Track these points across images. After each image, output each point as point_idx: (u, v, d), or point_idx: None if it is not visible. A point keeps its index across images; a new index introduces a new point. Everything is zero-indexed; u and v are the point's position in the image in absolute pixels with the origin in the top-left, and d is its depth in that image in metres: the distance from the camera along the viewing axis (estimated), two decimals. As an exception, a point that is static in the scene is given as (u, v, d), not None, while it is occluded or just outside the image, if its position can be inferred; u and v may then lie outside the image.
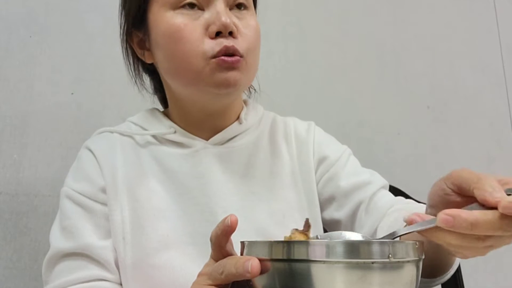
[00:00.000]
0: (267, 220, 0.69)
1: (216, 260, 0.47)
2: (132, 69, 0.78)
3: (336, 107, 1.35)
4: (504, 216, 0.37)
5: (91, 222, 0.67)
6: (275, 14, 1.31)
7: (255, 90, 0.86)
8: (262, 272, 0.41)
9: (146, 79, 0.81)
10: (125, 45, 0.76)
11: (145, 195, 0.68)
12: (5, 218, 0.93)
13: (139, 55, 0.75)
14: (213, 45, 0.65)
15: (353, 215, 0.72)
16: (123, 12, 0.75)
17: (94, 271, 0.64)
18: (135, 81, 0.79)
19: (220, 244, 0.47)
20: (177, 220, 0.67)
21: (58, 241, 0.66)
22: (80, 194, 0.68)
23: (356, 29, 1.44)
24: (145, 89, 0.81)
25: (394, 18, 1.50)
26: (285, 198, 0.72)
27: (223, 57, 0.64)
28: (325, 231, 0.81)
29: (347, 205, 0.73)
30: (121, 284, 0.66)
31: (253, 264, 0.41)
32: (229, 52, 0.65)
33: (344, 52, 1.40)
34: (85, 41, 1.07)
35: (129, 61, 0.78)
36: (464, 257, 0.44)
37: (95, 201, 0.68)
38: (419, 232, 0.41)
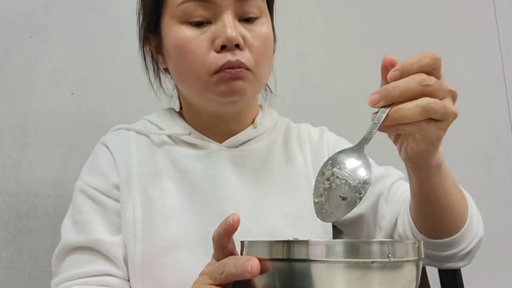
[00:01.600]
0: (279, 223, 0.70)
1: (218, 260, 0.47)
2: (151, 69, 0.79)
3: (336, 107, 1.35)
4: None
5: (102, 217, 0.68)
6: (276, 14, 1.30)
7: (271, 91, 0.86)
8: (262, 271, 0.41)
9: (163, 79, 0.81)
10: (142, 46, 0.77)
11: (158, 194, 0.69)
12: (5, 218, 0.93)
13: (156, 58, 0.76)
14: (217, 60, 0.65)
15: (374, 207, 0.73)
16: (141, 15, 0.76)
17: (102, 266, 0.65)
18: (158, 78, 0.80)
19: (222, 243, 0.47)
20: (188, 220, 0.68)
21: (69, 234, 0.67)
22: (94, 188, 0.69)
23: (356, 29, 1.44)
24: (162, 89, 0.82)
25: (394, 18, 1.50)
26: (298, 201, 0.73)
27: (226, 70, 0.65)
28: (340, 232, 0.82)
29: (368, 198, 0.74)
30: (128, 281, 0.67)
31: (253, 264, 0.41)
32: (233, 67, 0.65)
33: (344, 52, 1.40)
34: (85, 41, 1.07)
35: (145, 62, 0.78)
36: (426, 137, 0.53)
37: (108, 196, 0.69)
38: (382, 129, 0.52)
